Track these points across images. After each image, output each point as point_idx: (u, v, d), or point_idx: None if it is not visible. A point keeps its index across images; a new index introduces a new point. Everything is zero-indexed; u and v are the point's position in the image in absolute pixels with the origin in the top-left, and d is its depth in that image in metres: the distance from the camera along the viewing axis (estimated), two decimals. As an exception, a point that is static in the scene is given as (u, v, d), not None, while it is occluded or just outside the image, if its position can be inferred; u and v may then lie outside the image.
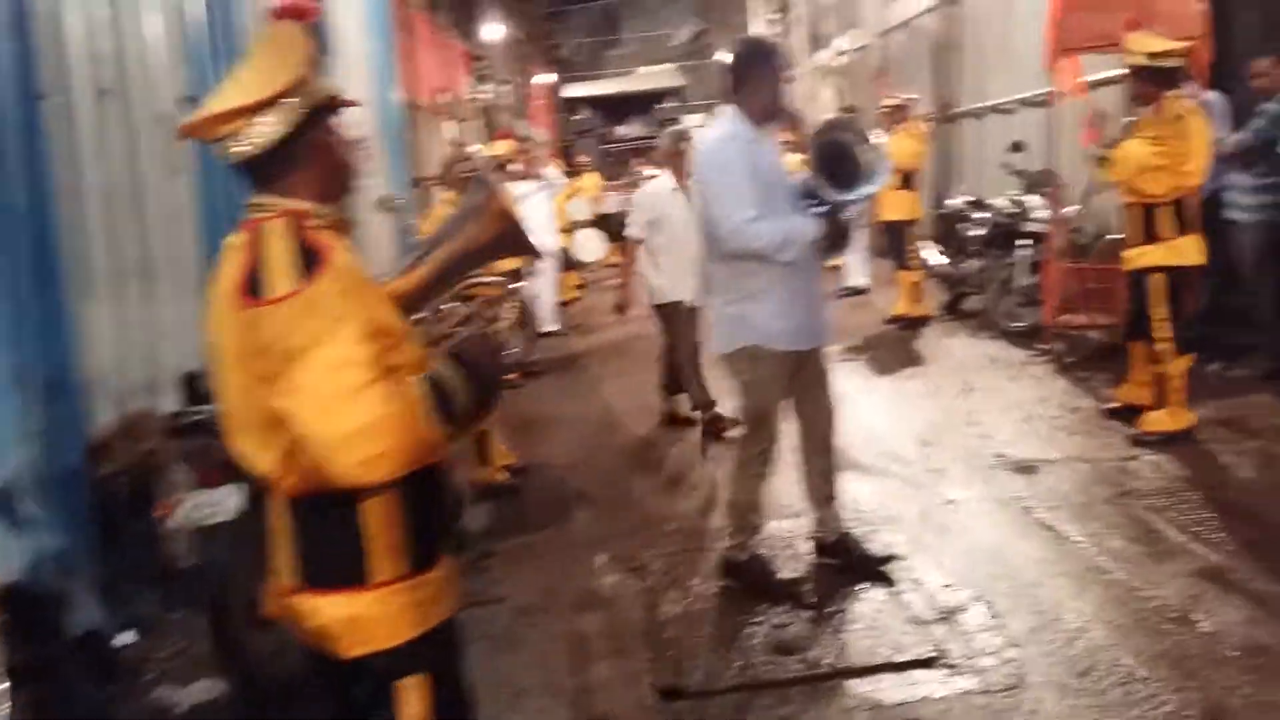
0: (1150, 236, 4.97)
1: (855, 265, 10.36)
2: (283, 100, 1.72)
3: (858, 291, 10.27)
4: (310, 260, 1.66)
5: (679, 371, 6.03)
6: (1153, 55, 4.89)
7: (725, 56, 3.71)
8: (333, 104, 1.84)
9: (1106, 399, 5.75)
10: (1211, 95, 6.28)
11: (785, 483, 4.91)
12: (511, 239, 2.08)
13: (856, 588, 3.73)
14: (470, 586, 4.10)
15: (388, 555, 1.77)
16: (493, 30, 17.65)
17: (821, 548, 3.97)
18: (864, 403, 6.41)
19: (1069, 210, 7.33)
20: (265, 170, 1.76)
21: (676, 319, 5.86)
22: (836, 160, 3.47)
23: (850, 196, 3.48)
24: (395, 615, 1.77)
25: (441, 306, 2.09)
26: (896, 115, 8.79)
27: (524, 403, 7.25)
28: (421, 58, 11.47)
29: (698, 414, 5.92)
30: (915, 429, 5.60)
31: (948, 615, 3.44)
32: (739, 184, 3.46)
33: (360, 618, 1.75)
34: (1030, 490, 4.53)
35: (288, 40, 1.82)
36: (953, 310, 8.81)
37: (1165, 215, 4.90)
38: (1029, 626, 3.30)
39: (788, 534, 4.24)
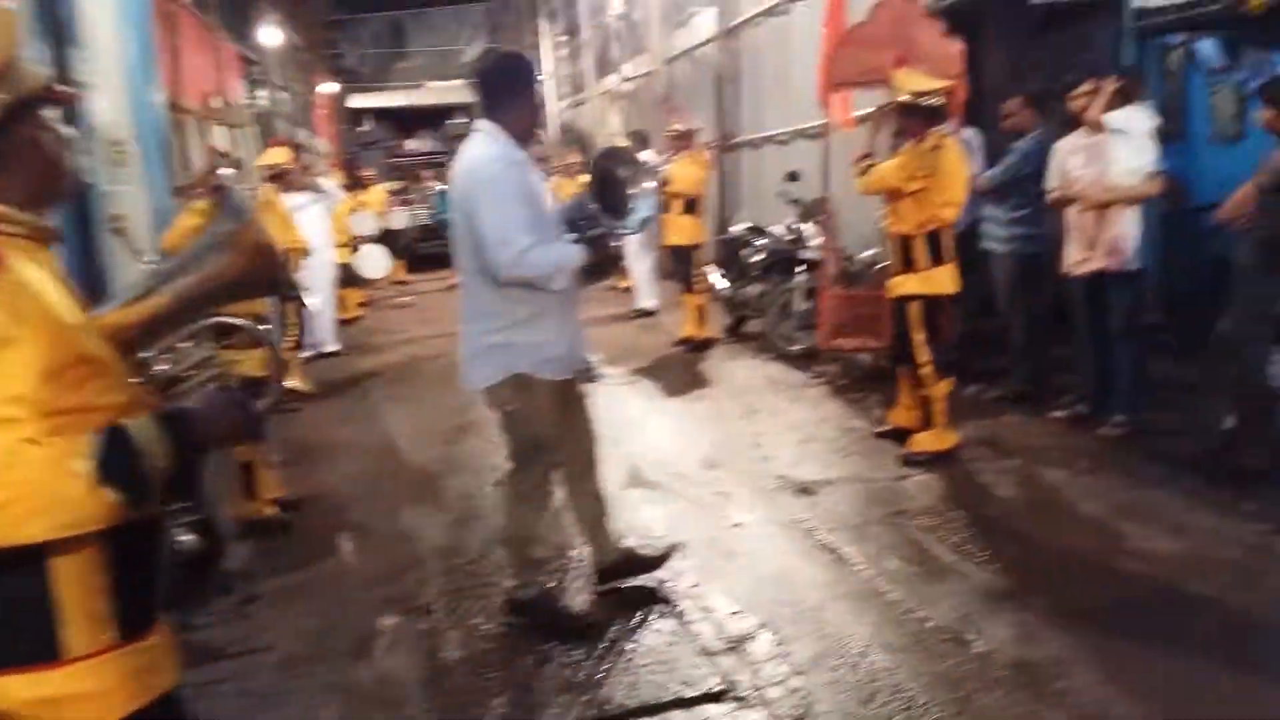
0: (909, 266, 5.23)
1: (645, 288, 10.48)
2: None
3: (647, 314, 10.39)
4: None
5: None
6: (917, 94, 5.15)
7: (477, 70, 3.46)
8: (44, 95, 1.58)
9: (878, 420, 6.00)
10: (968, 132, 6.74)
11: (568, 512, 4.83)
12: (264, 276, 1.83)
13: (646, 618, 3.66)
14: (230, 635, 3.76)
15: (87, 623, 1.50)
16: (269, 34, 16.79)
17: (604, 572, 3.88)
18: (652, 424, 6.43)
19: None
20: None
21: None
22: (608, 188, 3.43)
23: (617, 227, 3.45)
24: (101, 692, 1.51)
25: (177, 345, 1.83)
26: (681, 142, 8.95)
27: (298, 429, 6.80)
28: (188, 57, 10.69)
29: None
30: (702, 451, 5.63)
31: (736, 645, 3.42)
32: (513, 208, 3.27)
33: (55, 699, 1.48)
34: (811, 512, 4.63)
35: None
36: (736, 333, 9.04)
37: (921, 246, 5.17)
38: (814, 653, 3.32)
39: (575, 565, 4.13)
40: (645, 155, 9.65)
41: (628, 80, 16.22)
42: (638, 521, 4.66)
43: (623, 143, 7.81)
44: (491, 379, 3.48)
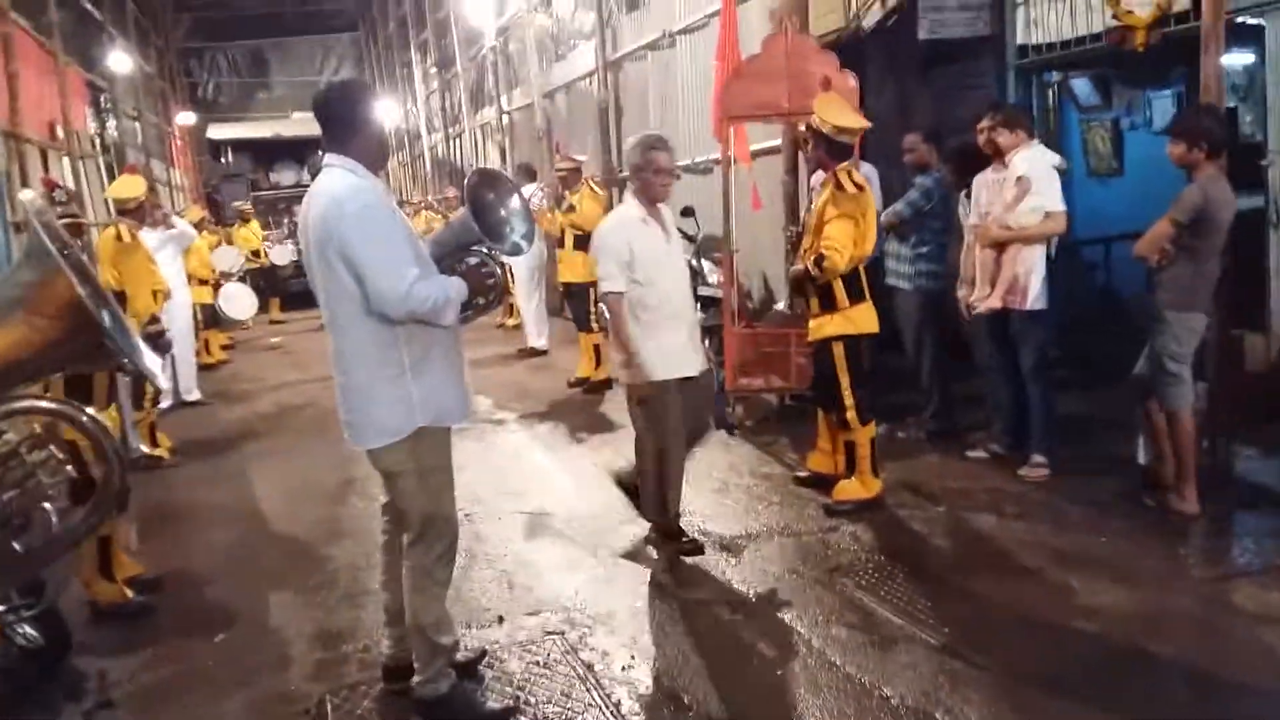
0: (828, 307, 4.99)
1: (534, 325, 10.05)
2: None
3: (537, 353, 9.97)
4: None
5: (656, 470, 4.52)
6: (838, 129, 4.93)
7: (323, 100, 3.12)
8: None
9: (794, 465, 5.74)
10: (867, 168, 6.62)
11: (479, 584, 4.38)
12: (83, 341, 1.34)
13: (576, 710, 3.23)
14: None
15: None
16: (119, 60, 15.77)
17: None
18: (556, 475, 6.02)
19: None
20: None
21: (662, 405, 4.35)
22: (480, 211, 3.15)
23: (495, 250, 3.20)
24: None
25: None
26: (573, 178, 8.62)
27: (157, 492, 6.10)
28: (27, 82, 9.80)
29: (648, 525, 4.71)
30: (615, 504, 5.21)
31: (684, 743, 3.02)
32: (396, 242, 2.96)
33: None
34: (741, 574, 4.28)
35: None
36: (633, 373, 8.71)
37: (839, 285, 4.94)
38: (773, 749, 2.96)
39: (492, 648, 3.67)
40: (531, 189, 9.29)
41: (506, 113, 15.82)
42: (552, 590, 4.23)
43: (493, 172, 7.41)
44: (394, 436, 3.04)
